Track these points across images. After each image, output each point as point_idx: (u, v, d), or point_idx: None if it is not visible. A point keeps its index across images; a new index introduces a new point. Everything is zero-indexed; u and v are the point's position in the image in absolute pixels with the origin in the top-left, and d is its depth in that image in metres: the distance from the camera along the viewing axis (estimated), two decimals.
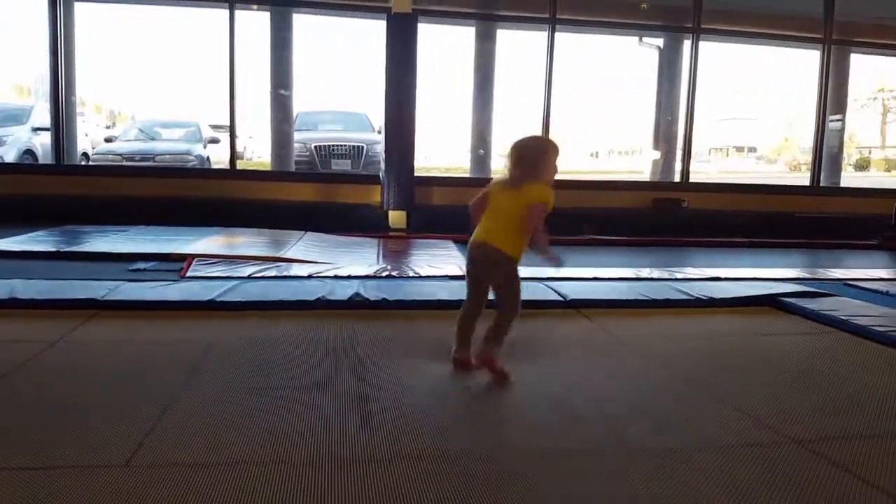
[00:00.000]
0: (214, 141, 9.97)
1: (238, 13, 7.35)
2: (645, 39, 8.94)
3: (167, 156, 9.28)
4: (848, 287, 4.47)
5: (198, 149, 9.77)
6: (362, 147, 9.32)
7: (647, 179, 9.09)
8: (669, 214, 7.74)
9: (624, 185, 8.88)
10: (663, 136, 8.86)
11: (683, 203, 7.84)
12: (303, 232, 6.20)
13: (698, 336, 3.13)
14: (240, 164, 8.44)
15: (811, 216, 7.99)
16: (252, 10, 7.80)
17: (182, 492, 1.51)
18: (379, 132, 9.12)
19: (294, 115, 8.70)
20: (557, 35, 7.81)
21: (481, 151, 8.37)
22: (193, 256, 4.72)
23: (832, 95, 8.61)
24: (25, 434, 1.81)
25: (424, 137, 8.14)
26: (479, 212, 2.59)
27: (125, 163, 9.01)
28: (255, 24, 7.95)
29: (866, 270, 5.31)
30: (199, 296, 3.39)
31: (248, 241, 5.72)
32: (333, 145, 9.33)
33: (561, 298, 3.57)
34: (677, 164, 8.54)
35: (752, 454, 1.81)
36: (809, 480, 1.67)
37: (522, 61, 9.27)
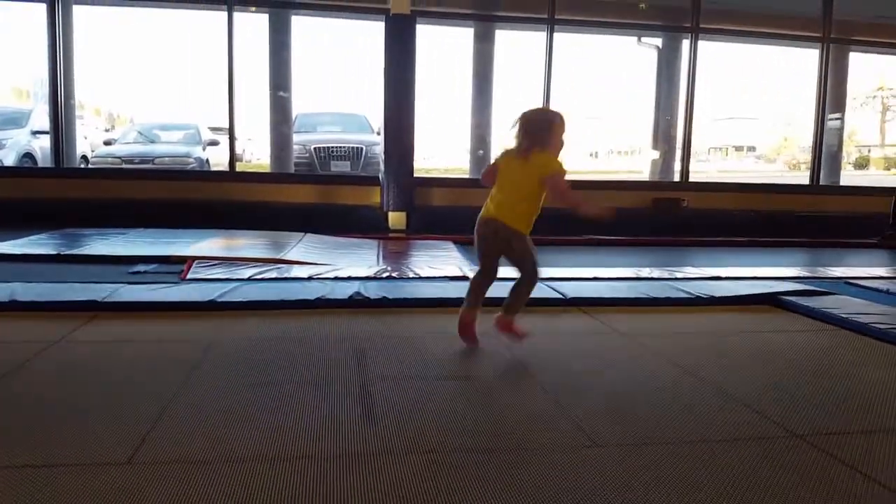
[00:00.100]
0: (213, 143, 9.98)
1: (236, 15, 7.36)
2: (644, 39, 8.95)
3: (166, 158, 9.29)
4: (848, 285, 4.47)
5: (197, 151, 9.78)
6: (361, 148, 9.33)
7: (647, 179, 9.10)
8: (669, 214, 7.75)
9: (624, 184, 8.89)
10: (662, 135, 8.87)
11: (683, 203, 7.84)
12: (302, 234, 6.20)
13: (699, 333, 3.13)
14: (239, 167, 8.45)
15: (811, 215, 8.00)
16: (250, 12, 7.81)
17: (184, 489, 1.52)
18: (378, 133, 9.14)
19: (293, 117, 8.70)
20: (556, 35, 7.82)
21: (480, 152, 8.37)
22: (193, 259, 4.72)
23: (831, 94, 8.62)
24: (27, 432, 1.81)
25: (424, 139, 8.16)
26: (490, 181, 2.65)
27: (124, 165, 9.02)
28: (254, 27, 7.97)
29: (866, 269, 5.32)
30: (200, 297, 3.39)
31: (247, 243, 5.72)
32: (333, 147, 9.34)
33: (561, 296, 3.57)
34: (677, 164, 8.55)
35: (754, 448, 1.81)
36: (811, 475, 1.67)
37: (521, 62, 9.29)
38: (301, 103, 9.48)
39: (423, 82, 7.24)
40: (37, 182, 7.40)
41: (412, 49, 7.03)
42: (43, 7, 7.22)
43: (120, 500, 1.46)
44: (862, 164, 18.60)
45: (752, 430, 1.97)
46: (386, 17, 7.01)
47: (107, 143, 10.18)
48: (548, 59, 7.81)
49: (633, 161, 13.91)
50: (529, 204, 2.61)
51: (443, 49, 9.21)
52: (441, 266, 4.85)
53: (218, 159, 9.73)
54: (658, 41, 8.90)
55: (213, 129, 10.26)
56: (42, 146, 8.81)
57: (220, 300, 3.34)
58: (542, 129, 2.59)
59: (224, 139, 8.51)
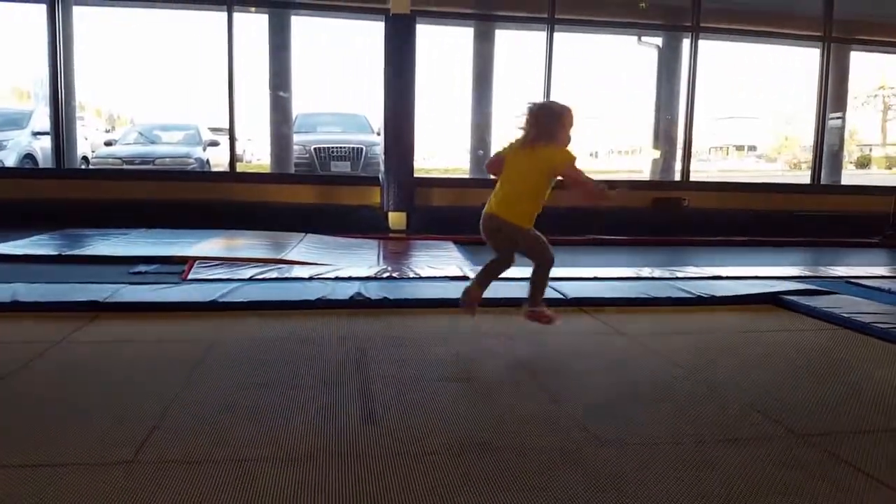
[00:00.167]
0: (214, 144, 9.98)
1: (236, 16, 7.36)
2: (644, 39, 8.94)
3: (167, 159, 9.30)
4: (849, 285, 4.47)
5: (197, 152, 9.78)
6: (361, 149, 9.33)
7: (647, 179, 9.09)
8: (670, 213, 7.74)
9: (624, 184, 8.88)
10: (663, 135, 8.86)
11: (684, 202, 7.84)
12: (303, 234, 6.21)
13: (700, 333, 3.13)
14: (239, 167, 8.45)
15: (812, 214, 7.99)
16: (250, 12, 7.81)
17: (187, 487, 1.52)
18: (378, 134, 9.13)
19: (293, 117, 8.70)
20: (556, 35, 7.81)
21: (480, 152, 8.36)
22: (195, 259, 4.72)
23: (832, 93, 8.61)
24: (30, 432, 1.82)
25: (424, 139, 8.16)
26: (495, 168, 2.67)
27: (125, 166, 9.03)
28: (254, 27, 7.97)
29: (867, 268, 5.32)
30: (201, 297, 3.40)
31: (248, 244, 5.72)
32: (333, 147, 9.34)
33: (562, 296, 3.57)
34: (677, 164, 8.54)
35: (755, 448, 1.81)
36: (812, 474, 1.67)
37: (521, 62, 9.28)
38: (301, 103, 9.48)
39: (423, 82, 7.23)
40: (38, 183, 7.40)
41: (412, 49, 7.02)
42: (43, 8, 7.22)
43: (124, 500, 1.47)
44: (863, 163, 18.58)
45: (753, 430, 1.97)
46: (386, 16, 7.01)
47: (107, 143, 10.19)
48: (548, 59, 7.80)
49: (634, 161, 13.89)
50: (532, 200, 2.62)
51: (443, 49, 9.21)
52: (441, 266, 4.85)
53: (218, 160, 9.73)
54: (658, 40, 8.89)
55: (214, 130, 10.26)
56: (43, 147, 8.81)
57: (221, 300, 3.34)
58: (550, 121, 2.58)
59: (224, 140, 8.51)
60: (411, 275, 4.45)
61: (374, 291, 3.57)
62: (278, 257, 4.95)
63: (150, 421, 1.90)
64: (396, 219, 7.16)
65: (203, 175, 8.94)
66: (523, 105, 2.64)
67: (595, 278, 4.35)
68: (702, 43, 8.17)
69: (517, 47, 9.39)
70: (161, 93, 13.44)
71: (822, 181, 8.70)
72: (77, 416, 1.94)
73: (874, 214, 7.79)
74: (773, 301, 3.73)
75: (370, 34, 7.56)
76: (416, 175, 7.33)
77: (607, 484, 1.59)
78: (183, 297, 3.43)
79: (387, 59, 7.00)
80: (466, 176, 8.61)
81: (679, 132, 8.52)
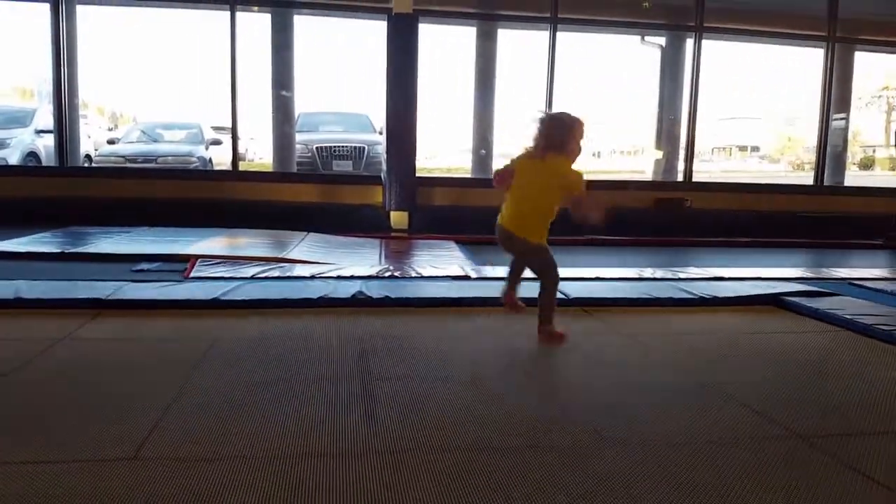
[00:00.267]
0: (216, 142, 10.00)
1: (239, 15, 7.37)
2: (647, 38, 8.93)
3: (169, 157, 9.32)
4: (852, 286, 4.45)
5: (200, 150, 9.80)
6: (364, 148, 9.33)
7: (650, 179, 9.08)
8: (672, 214, 7.73)
9: (627, 184, 8.87)
10: (666, 135, 8.85)
11: (686, 203, 7.82)
12: (305, 233, 6.21)
13: (702, 334, 3.13)
14: (242, 166, 8.45)
15: (814, 215, 7.97)
16: (253, 11, 7.81)
17: (189, 484, 1.52)
18: (380, 133, 9.13)
19: (295, 117, 8.70)
20: (559, 34, 7.81)
21: (483, 152, 8.37)
22: (197, 257, 4.73)
23: (836, 94, 8.59)
24: (33, 429, 1.82)
25: (426, 138, 8.16)
26: (504, 183, 2.66)
27: (128, 164, 9.04)
28: (256, 26, 7.97)
29: (870, 270, 5.30)
30: (203, 295, 3.40)
31: (250, 242, 5.73)
32: (335, 146, 9.34)
33: (563, 296, 3.56)
34: (680, 164, 8.53)
35: (756, 448, 1.81)
36: (813, 476, 1.67)
37: (524, 61, 9.27)
38: (303, 103, 9.49)
39: (426, 82, 7.23)
40: (41, 181, 7.41)
41: (415, 48, 7.02)
42: (47, 7, 7.24)
43: (128, 496, 1.47)
44: (867, 164, 18.52)
45: (754, 431, 1.96)
46: (388, 16, 7.01)
47: (110, 142, 10.21)
48: (550, 59, 7.80)
49: (637, 161, 13.88)
50: (542, 212, 2.65)
51: (445, 48, 9.21)
52: (443, 265, 4.85)
53: (221, 158, 9.75)
54: (662, 40, 8.88)
55: (216, 129, 10.28)
56: (46, 145, 8.84)
57: (223, 298, 3.35)
58: (560, 133, 2.60)
59: (227, 138, 8.53)
60: (413, 274, 4.45)
61: (375, 290, 3.58)
62: (280, 256, 4.96)
63: (152, 418, 1.90)
64: (398, 218, 7.16)
65: (205, 174, 8.96)
66: (534, 115, 2.67)
67: (597, 279, 4.35)
68: (705, 43, 8.16)
69: (520, 47, 9.39)
70: (164, 91, 13.47)
71: (826, 182, 8.69)
72: (79, 413, 1.95)
73: (877, 216, 7.77)
74: (775, 302, 3.73)
75: (373, 33, 7.56)
76: (418, 174, 7.33)
77: (607, 484, 1.59)
78: (185, 295, 3.43)
79: (389, 59, 7.01)
80: (468, 176, 8.61)
81: (682, 132, 8.51)
